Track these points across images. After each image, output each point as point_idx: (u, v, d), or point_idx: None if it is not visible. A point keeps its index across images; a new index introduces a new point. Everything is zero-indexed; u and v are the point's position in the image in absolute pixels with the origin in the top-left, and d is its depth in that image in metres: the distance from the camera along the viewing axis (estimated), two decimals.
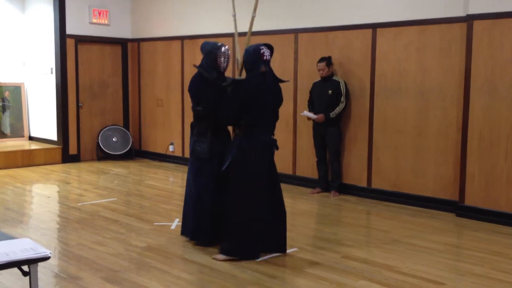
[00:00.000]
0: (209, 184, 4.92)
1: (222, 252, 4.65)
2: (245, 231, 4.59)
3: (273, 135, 4.74)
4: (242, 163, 4.56)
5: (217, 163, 4.87)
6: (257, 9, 8.36)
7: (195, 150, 5.01)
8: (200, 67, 5.01)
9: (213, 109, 4.84)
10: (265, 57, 4.57)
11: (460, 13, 6.21)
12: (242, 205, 4.59)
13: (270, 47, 4.64)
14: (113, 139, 10.01)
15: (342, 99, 7.03)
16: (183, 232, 5.18)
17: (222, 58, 4.94)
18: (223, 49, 4.94)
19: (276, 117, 4.79)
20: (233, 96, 4.60)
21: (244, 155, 4.56)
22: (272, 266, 4.50)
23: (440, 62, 6.44)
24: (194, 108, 5.01)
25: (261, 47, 4.57)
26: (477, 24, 5.97)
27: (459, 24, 6.23)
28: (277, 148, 4.77)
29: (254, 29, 8.16)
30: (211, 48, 4.96)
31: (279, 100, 4.77)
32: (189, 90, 5.08)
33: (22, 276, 2.86)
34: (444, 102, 6.43)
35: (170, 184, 8.17)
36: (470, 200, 6.13)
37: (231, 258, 4.59)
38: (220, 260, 4.58)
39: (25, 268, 2.80)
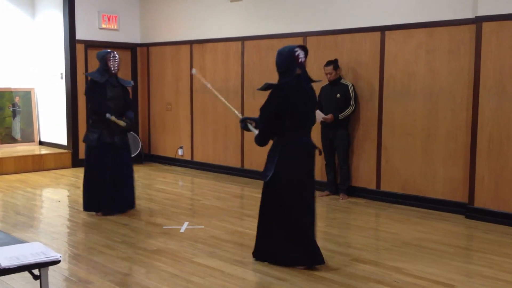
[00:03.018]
0: (95, 168, 6.12)
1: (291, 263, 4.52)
2: (296, 238, 4.47)
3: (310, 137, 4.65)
4: (286, 170, 4.43)
5: (103, 150, 6.09)
6: (266, 12, 8.41)
7: (88, 138, 6.16)
8: (94, 72, 6.27)
9: (95, 110, 6.11)
10: (300, 59, 4.42)
11: (469, 15, 6.20)
12: (291, 212, 4.44)
13: (304, 49, 4.47)
14: None
15: (352, 102, 7.02)
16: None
17: (112, 62, 6.13)
18: (112, 54, 6.15)
19: (313, 120, 4.66)
20: (273, 105, 4.42)
21: (287, 162, 4.43)
22: (282, 269, 4.49)
23: (449, 64, 6.42)
24: (89, 106, 6.31)
25: (295, 49, 4.41)
26: (485, 25, 5.95)
27: (468, 26, 6.21)
28: (320, 152, 4.68)
29: (263, 32, 8.25)
30: (103, 54, 6.18)
31: (314, 101, 4.67)
32: (85, 92, 6.36)
33: (33, 280, 2.89)
34: (453, 104, 6.41)
35: (179, 188, 8.19)
36: (480, 202, 6.10)
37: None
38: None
39: (36, 272, 2.82)
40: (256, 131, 4.68)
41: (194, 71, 5.91)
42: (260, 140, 4.60)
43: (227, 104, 5.32)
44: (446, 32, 6.41)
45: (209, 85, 5.52)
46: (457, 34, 6.33)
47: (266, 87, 4.54)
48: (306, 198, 4.50)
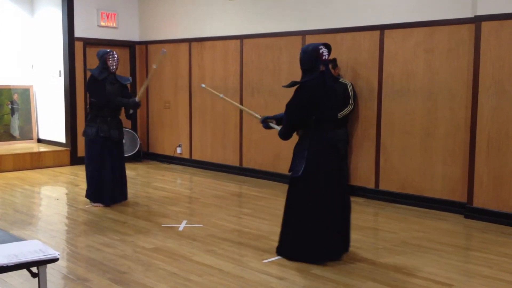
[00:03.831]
0: (96, 158, 6.44)
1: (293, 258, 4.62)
2: (324, 234, 4.56)
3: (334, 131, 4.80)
4: (316, 165, 4.54)
5: (100, 143, 6.43)
6: (265, 10, 8.41)
7: (86, 132, 6.51)
8: (94, 69, 6.50)
9: (101, 102, 6.39)
10: (323, 57, 4.53)
11: (468, 14, 6.19)
12: (319, 208, 4.55)
13: (328, 47, 4.59)
14: None
15: (351, 101, 7.02)
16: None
17: (111, 61, 6.41)
18: (111, 53, 6.41)
19: (336, 114, 4.85)
20: (297, 101, 4.56)
21: (316, 157, 4.55)
22: (280, 268, 4.50)
23: (448, 63, 6.42)
24: (90, 99, 6.57)
25: (320, 47, 4.53)
26: (485, 25, 5.95)
27: (467, 25, 6.21)
28: (346, 143, 4.76)
29: (262, 31, 8.24)
30: (102, 54, 6.44)
31: (337, 97, 4.83)
32: (86, 87, 6.57)
33: (31, 278, 2.88)
34: (452, 103, 6.41)
35: (177, 186, 8.18)
36: (479, 201, 6.10)
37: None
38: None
39: (34, 269, 2.82)
40: (278, 127, 4.92)
41: (203, 85, 6.29)
42: (285, 134, 4.77)
43: (244, 108, 5.72)
44: (445, 31, 6.41)
45: (222, 95, 5.96)
46: (456, 34, 6.33)
47: (291, 84, 4.69)
48: (333, 194, 4.61)
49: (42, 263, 2.75)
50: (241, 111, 8.64)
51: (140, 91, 6.66)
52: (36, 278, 2.82)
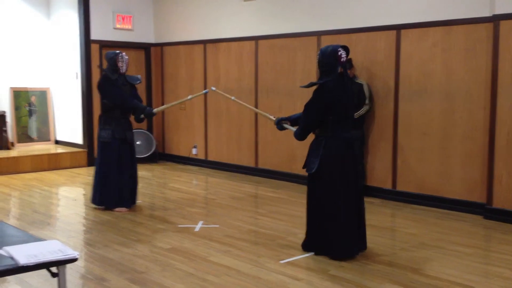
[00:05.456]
0: (111, 163, 6.31)
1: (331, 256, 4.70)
2: (340, 230, 4.66)
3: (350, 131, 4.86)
4: (331, 163, 4.64)
5: (117, 146, 6.32)
6: (280, 11, 8.40)
7: (101, 135, 6.38)
8: (105, 70, 6.47)
9: (115, 102, 6.30)
10: (342, 59, 4.64)
11: (486, 13, 6.13)
12: (334, 204, 4.65)
13: (346, 49, 4.70)
14: (137, 143, 10.08)
15: (367, 101, 6.98)
16: (92, 201, 6.51)
17: (121, 63, 6.37)
18: (120, 55, 6.38)
19: (353, 115, 4.98)
20: (317, 101, 4.66)
21: (331, 155, 4.64)
22: (297, 269, 4.48)
23: (466, 63, 6.35)
24: (101, 102, 6.51)
25: (338, 49, 4.63)
26: (503, 24, 5.88)
27: (485, 25, 6.14)
28: (362, 143, 5.01)
29: (277, 32, 8.23)
30: (112, 55, 6.41)
31: (353, 98, 4.91)
32: (97, 89, 6.49)
33: (50, 277, 2.89)
34: (470, 103, 6.34)
35: (193, 187, 8.20)
36: (498, 202, 6.03)
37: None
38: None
39: (54, 269, 2.83)
40: (293, 129, 5.00)
41: (213, 88, 6.44)
42: (301, 134, 4.86)
43: (258, 110, 5.84)
44: (463, 31, 6.35)
45: (233, 98, 6.08)
46: (473, 33, 6.27)
47: (310, 84, 4.81)
48: (348, 192, 4.67)
49: (61, 263, 2.77)
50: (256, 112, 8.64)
51: (162, 107, 7.03)
52: (55, 278, 2.83)
